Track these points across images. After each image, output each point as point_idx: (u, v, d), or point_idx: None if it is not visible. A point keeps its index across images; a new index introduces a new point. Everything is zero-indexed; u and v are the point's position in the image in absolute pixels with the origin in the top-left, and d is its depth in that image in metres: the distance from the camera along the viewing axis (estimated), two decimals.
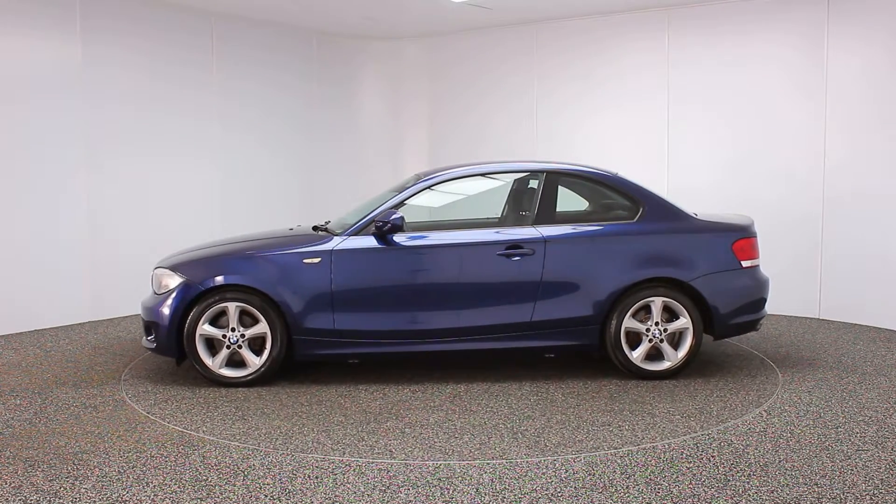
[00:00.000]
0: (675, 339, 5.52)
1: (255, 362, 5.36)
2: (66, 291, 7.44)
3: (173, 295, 5.36)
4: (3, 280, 7.00)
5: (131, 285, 7.85)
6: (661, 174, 8.30)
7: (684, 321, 5.44)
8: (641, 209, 5.61)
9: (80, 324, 7.50)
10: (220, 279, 5.32)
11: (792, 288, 7.52)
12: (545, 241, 5.45)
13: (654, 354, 5.51)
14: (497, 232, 5.58)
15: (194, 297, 5.32)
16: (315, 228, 5.94)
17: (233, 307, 5.31)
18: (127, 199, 7.87)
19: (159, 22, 8.06)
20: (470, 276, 5.47)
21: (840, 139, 7.39)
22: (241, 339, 5.35)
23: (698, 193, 7.92)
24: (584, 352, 5.65)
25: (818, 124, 7.49)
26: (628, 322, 5.43)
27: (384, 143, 10.36)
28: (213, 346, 5.42)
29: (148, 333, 5.53)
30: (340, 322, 5.35)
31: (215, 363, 5.35)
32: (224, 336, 5.34)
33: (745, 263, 5.59)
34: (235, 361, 5.43)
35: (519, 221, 5.78)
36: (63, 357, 6.24)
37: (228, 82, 8.75)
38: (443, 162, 9.12)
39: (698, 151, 8.16)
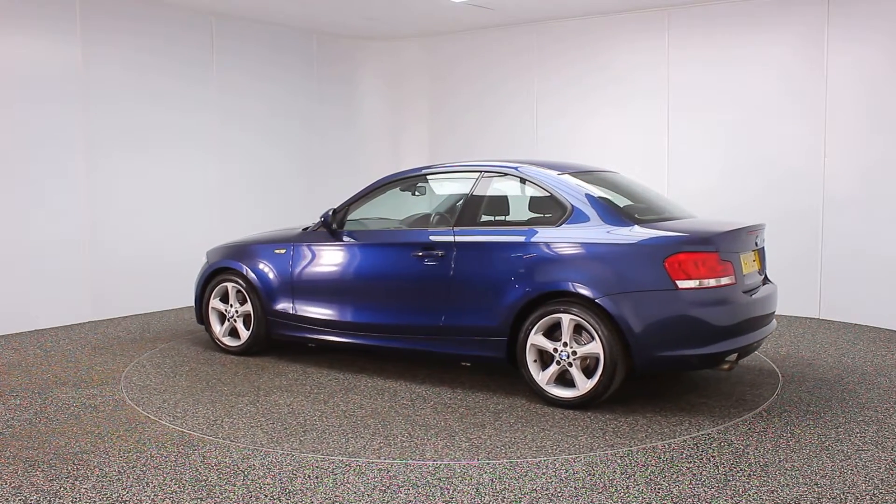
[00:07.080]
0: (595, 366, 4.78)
1: (245, 335, 6.23)
2: (66, 291, 7.44)
3: (200, 274, 6.52)
4: (3, 280, 7.00)
5: (131, 285, 7.88)
6: (661, 174, 8.30)
7: (594, 345, 4.69)
8: (566, 213, 4.98)
9: (80, 324, 7.50)
10: (218, 263, 6.37)
11: (792, 288, 7.51)
12: (455, 244, 5.26)
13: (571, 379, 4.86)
14: (419, 232, 5.54)
15: (208, 277, 6.41)
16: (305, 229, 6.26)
17: (230, 286, 6.28)
18: (127, 198, 7.87)
19: (159, 22, 8.06)
20: (388, 275, 5.58)
21: (840, 139, 7.38)
22: (235, 315, 6.27)
23: (698, 193, 7.92)
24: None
25: (818, 124, 7.49)
26: (535, 339, 4.87)
27: (384, 142, 10.36)
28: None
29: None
30: (297, 308, 5.96)
31: (220, 331, 6.36)
32: (226, 311, 6.32)
33: (681, 283, 4.55)
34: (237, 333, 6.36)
35: (444, 223, 5.53)
36: (63, 357, 6.25)
37: (229, 83, 8.75)
38: (442, 161, 9.10)
39: (698, 151, 8.16)
